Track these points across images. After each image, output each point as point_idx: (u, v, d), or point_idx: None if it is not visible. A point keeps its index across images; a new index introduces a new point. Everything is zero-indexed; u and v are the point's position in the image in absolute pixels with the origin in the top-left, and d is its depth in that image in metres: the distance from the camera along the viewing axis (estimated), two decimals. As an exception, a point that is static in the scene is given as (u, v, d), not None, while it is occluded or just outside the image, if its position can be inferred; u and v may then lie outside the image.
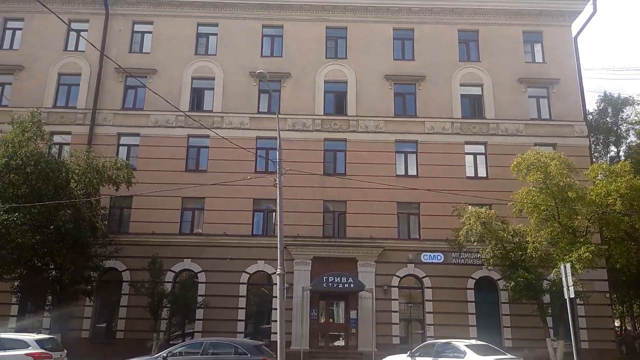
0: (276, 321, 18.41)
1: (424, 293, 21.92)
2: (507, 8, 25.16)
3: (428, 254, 22.17)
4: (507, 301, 21.19)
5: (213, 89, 24.38)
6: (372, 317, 20.69)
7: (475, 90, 24.60)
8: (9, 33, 25.09)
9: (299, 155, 22.49)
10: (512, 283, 18.77)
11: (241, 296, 21.62)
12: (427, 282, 21.91)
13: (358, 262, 21.86)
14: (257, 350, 14.18)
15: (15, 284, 18.93)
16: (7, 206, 16.83)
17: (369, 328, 20.68)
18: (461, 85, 24.52)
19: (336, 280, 20.54)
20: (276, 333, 17.73)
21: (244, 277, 21.82)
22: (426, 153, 23.44)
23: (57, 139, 22.91)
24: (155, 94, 19.33)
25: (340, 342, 21.51)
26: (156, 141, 23.40)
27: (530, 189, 18.93)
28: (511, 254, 19.22)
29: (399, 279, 21.98)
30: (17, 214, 16.69)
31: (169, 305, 20.12)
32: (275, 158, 18.57)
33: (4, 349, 13.71)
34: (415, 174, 23.35)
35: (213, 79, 24.44)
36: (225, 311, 21.16)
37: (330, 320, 22.10)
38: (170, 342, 19.59)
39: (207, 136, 23.22)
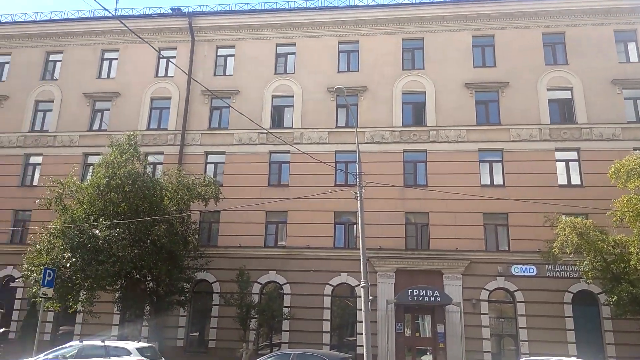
0: (361, 334, 18.35)
1: (517, 307, 20.89)
2: (596, 7, 23.82)
3: (519, 266, 21.17)
4: (609, 317, 19.68)
5: (292, 106, 25.02)
6: (461, 331, 20.00)
7: (564, 95, 23.39)
8: (106, 63, 27.27)
9: (379, 168, 22.48)
10: (615, 297, 17.42)
11: (325, 308, 21.75)
12: (519, 296, 20.87)
13: (444, 275, 21.30)
14: (345, 363, 14.15)
15: (117, 295, 20.29)
16: (108, 223, 18.15)
17: (458, 343, 20.00)
18: (548, 89, 23.42)
19: (421, 294, 20.12)
20: (362, 346, 17.64)
21: (328, 289, 21.96)
22: (513, 161, 22.53)
23: (151, 159, 24.41)
24: (239, 113, 20.22)
25: (428, 357, 20.95)
26: (240, 158, 24.32)
27: (632, 197, 17.62)
28: (612, 266, 17.87)
29: (488, 292, 21.14)
30: (117, 229, 17.96)
31: (256, 316, 20.67)
32: (354, 171, 18.72)
33: (109, 356, 14.69)
34: (501, 183, 22.49)
35: (292, 96, 25.09)
36: (311, 323, 21.37)
37: (417, 334, 21.60)
38: (259, 352, 20.05)
39: (288, 152, 23.82)
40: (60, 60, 27.48)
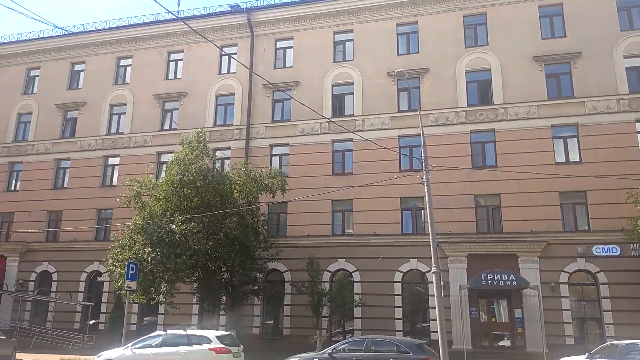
0: (434, 320, 18.15)
1: (599, 290, 19.85)
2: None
3: (601, 246, 20.05)
4: None
5: (352, 93, 24.90)
6: (540, 316, 19.24)
7: (645, 61, 21.74)
8: (172, 64, 28.33)
9: (445, 151, 22.00)
10: None
11: (396, 295, 21.68)
12: (601, 277, 19.80)
13: (519, 258, 20.57)
14: (419, 349, 14.04)
15: (195, 286, 21.24)
16: (184, 217, 18.98)
17: (537, 327, 19.27)
18: (625, 57, 21.85)
19: (496, 278, 19.53)
20: (435, 332, 17.44)
21: (398, 276, 21.84)
22: (589, 136, 21.28)
23: (219, 154, 25.22)
24: (301, 103, 20.39)
25: (506, 342, 20.39)
26: (304, 149, 24.58)
27: None
28: None
29: (567, 274, 20.22)
30: (192, 223, 18.73)
31: (328, 303, 20.95)
32: (419, 155, 18.39)
33: (191, 344, 15.38)
34: (578, 159, 21.34)
35: (352, 83, 24.97)
36: (382, 309, 21.38)
37: (493, 319, 21.04)
38: (332, 339, 20.34)
39: (351, 140, 23.78)
40: (130, 65, 28.86)
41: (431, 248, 16.21)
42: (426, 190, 16.78)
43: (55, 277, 26.44)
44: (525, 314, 19.99)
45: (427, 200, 16.80)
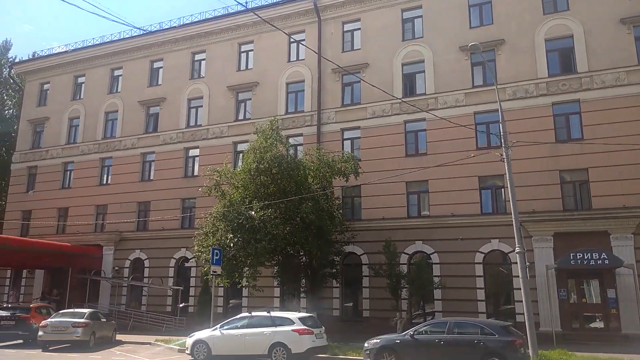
0: (519, 301, 17.57)
1: None
2: None
3: None
4: None
5: (424, 71, 24.31)
6: (636, 296, 18.04)
7: None
8: (243, 56, 29.01)
9: (525, 125, 21.04)
10: None
11: (478, 276, 21.14)
12: None
13: (611, 236, 19.31)
14: (504, 331, 13.64)
15: (275, 269, 21.90)
16: (261, 204, 19.56)
17: (633, 308, 18.11)
18: None
19: (586, 257, 18.49)
20: (521, 313, 16.92)
21: (479, 257, 21.27)
22: (688, 100, 19.44)
23: (291, 141, 25.58)
24: (371, 85, 20.20)
25: (598, 324, 19.32)
26: (376, 131, 24.40)
27: None
28: None
29: (666, 251, 18.75)
30: (269, 209, 19.28)
31: (406, 285, 20.86)
32: (497, 132, 17.69)
33: (275, 325, 15.96)
34: (676, 128, 19.59)
35: (422, 61, 24.36)
36: (463, 291, 20.97)
37: (583, 300, 19.96)
38: (413, 321, 20.26)
39: (424, 119, 23.32)
40: (204, 59, 29.89)
41: (514, 228, 15.66)
42: (506, 167, 16.17)
43: (147, 263, 28.26)
44: (619, 294, 18.81)
45: (507, 178, 16.19)
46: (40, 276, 30.62)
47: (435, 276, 21.52)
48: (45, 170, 32.68)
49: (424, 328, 14.75)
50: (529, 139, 19.62)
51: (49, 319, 19.24)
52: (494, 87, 18.53)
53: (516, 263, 16.19)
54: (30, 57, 38.99)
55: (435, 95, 23.59)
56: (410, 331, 14.61)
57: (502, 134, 16.65)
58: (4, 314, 20.09)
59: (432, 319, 19.80)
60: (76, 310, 20.86)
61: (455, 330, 14.02)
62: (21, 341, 19.87)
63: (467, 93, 23.02)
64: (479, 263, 21.25)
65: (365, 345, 14.86)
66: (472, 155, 20.61)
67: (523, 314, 15.61)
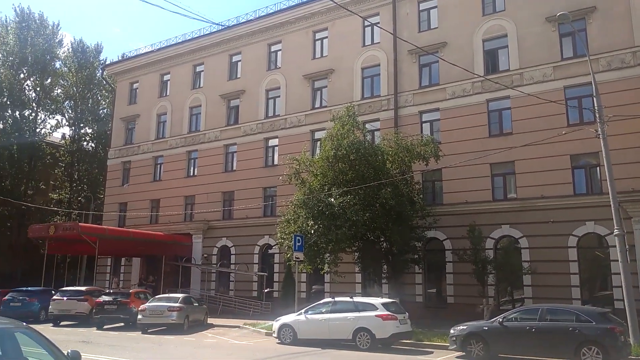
0: (619, 287, 16.37)
1: None
2: None
3: None
4: None
5: (507, 46, 23.08)
6: None
7: None
8: (318, 43, 29.06)
9: (621, 98, 19.38)
10: None
11: (571, 261, 19.92)
12: None
13: None
14: (603, 318, 12.77)
15: (356, 255, 21.95)
16: (340, 190, 19.65)
17: None
18: None
19: (696, 238, 16.84)
20: (620, 300, 15.79)
21: (572, 241, 20.01)
22: None
23: (368, 126, 25.41)
24: (451, 64, 19.50)
25: None
26: (456, 112, 23.59)
27: None
28: None
29: None
30: (348, 196, 19.33)
31: (493, 271, 20.11)
32: (591, 107, 16.48)
33: (358, 310, 16.04)
34: None
35: (505, 36, 23.13)
36: (555, 277, 19.85)
37: (694, 286, 18.24)
38: (501, 308, 19.52)
39: (508, 97, 22.21)
40: (280, 50, 30.35)
41: (612, 208, 14.60)
42: (602, 144, 15.07)
43: (233, 250, 29.44)
44: None
45: (604, 155, 15.08)
46: (137, 263, 32.90)
47: (524, 261, 20.56)
48: (138, 164, 34.89)
49: (514, 315, 14.16)
50: (626, 113, 18.06)
51: (147, 304, 20.59)
52: (585, 59, 17.22)
53: (614, 246, 15.10)
54: (120, 58, 41.59)
55: (520, 71, 22.35)
56: (499, 318, 14.07)
57: (596, 108, 15.52)
58: (107, 299, 21.75)
59: (521, 305, 18.96)
60: (171, 295, 22.18)
61: (548, 317, 13.32)
62: (122, 324, 21.45)
63: (556, 66, 21.59)
64: (573, 247, 20.00)
65: (451, 331, 14.54)
66: (563, 132, 19.37)
67: (622, 300, 14.54)
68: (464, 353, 14.06)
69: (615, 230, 14.47)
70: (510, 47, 22.89)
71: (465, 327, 14.31)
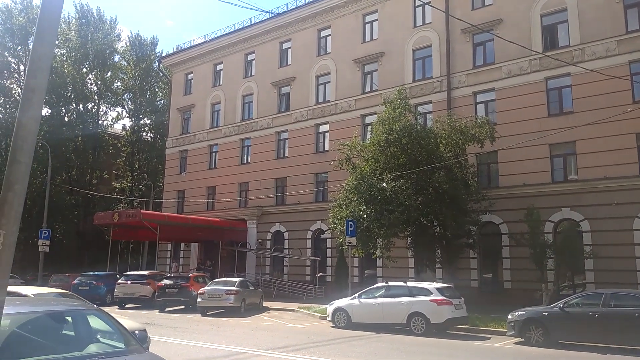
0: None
1: None
2: None
3: None
4: None
5: (566, 21, 21.99)
6: None
7: None
8: (368, 27, 28.73)
9: (695, 71, 18.05)
10: None
11: (637, 244, 18.93)
12: None
13: None
14: (672, 304, 12.11)
15: (409, 240, 21.78)
16: (393, 175, 19.49)
17: None
18: None
19: None
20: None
21: (637, 223, 18.99)
22: None
23: (420, 109, 25.00)
24: (507, 41, 18.83)
25: None
26: (512, 92, 22.78)
27: None
28: None
29: None
30: (401, 180, 19.16)
31: (552, 256, 19.43)
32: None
33: (412, 295, 15.94)
34: None
35: (565, 10, 22.02)
36: (619, 261, 18.94)
37: None
38: (561, 293, 18.87)
39: (568, 74, 21.22)
40: (329, 35, 30.25)
41: (683, 189, 13.68)
42: (672, 120, 14.10)
43: (286, 235, 29.93)
44: None
45: (673, 132, 14.11)
46: (195, 248, 34.10)
47: (586, 245, 19.73)
48: (194, 153, 35.96)
49: (576, 300, 13.67)
50: (701, 86, 16.88)
51: (205, 287, 21.31)
52: (654, 30, 16.16)
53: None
54: (175, 50, 42.78)
55: (581, 47, 21.25)
56: (560, 303, 13.61)
57: (665, 82, 14.53)
58: (168, 283, 22.67)
59: (583, 290, 18.25)
60: (228, 279, 22.84)
61: (612, 302, 12.77)
62: (183, 307, 22.32)
63: (620, 40, 20.37)
64: (638, 230, 18.99)
65: (509, 317, 14.21)
66: (628, 110, 18.33)
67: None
68: (522, 339, 13.73)
69: (688, 212, 13.64)
70: (570, 21, 21.79)
71: (524, 313, 13.96)
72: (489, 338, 14.86)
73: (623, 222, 19.20)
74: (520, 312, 14.05)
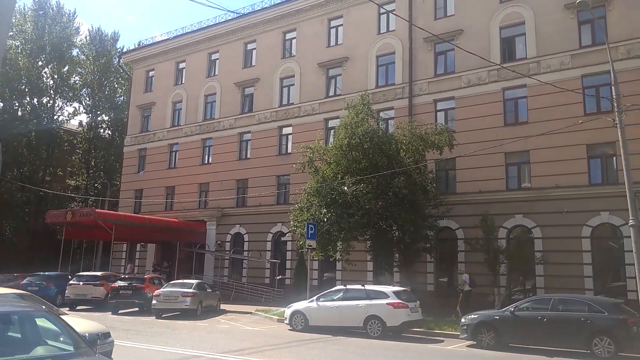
0: (633, 278, 16.19)
1: None
2: None
3: None
4: None
5: (524, 34, 22.78)
6: None
7: None
8: (333, 31, 28.93)
9: (640, 87, 18.99)
10: None
11: (585, 251, 19.76)
12: None
13: None
14: (615, 309, 12.69)
15: (368, 243, 22.00)
16: (354, 179, 19.67)
17: None
18: None
19: None
20: (634, 291, 15.64)
21: (586, 231, 19.84)
22: None
23: (382, 115, 25.29)
24: (467, 52, 19.33)
25: None
26: (471, 101, 23.39)
27: None
28: None
29: None
30: (362, 184, 19.37)
31: (505, 261, 20.04)
32: (609, 95, 16.21)
33: (369, 298, 16.08)
34: None
35: (523, 23, 22.81)
36: (568, 267, 19.73)
37: None
38: (512, 297, 19.47)
39: (524, 85, 21.97)
40: (294, 38, 30.27)
41: (627, 198, 14.44)
42: (619, 133, 14.86)
43: (246, 238, 29.70)
44: None
45: (621, 144, 14.87)
46: (152, 249, 33.38)
47: (537, 251, 20.46)
48: (154, 151, 35.26)
49: (526, 304, 14.14)
50: (646, 102, 17.73)
51: (161, 289, 20.88)
52: (604, 47, 16.88)
53: (629, 237, 14.92)
54: (136, 46, 41.89)
55: (537, 59, 22.05)
56: (511, 307, 14.06)
57: (614, 97, 15.25)
58: (122, 284, 22.05)
59: (533, 295, 18.87)
60: (185, 281, 22.45)
61: (560, 307, 13.29)
62: (137, 309, 21.78)
63: (574, 55, 21.26)
64: (586, 237, 19.83)
65: (462, 320, 14.56)
66: (580, 122, 19.11)
67: (636, 291, 14.43)
68: (474, 342, 14.09)
69: (631, 221, 14.30)
70: (528, 34, 22.58)
71: (476, 316, 14.32)
72: (443, 341, 15.18)
73: (572, 230, 19.99)
74: (473, 316, 14.41)
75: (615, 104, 15.22)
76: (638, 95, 18.17)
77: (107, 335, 8.32)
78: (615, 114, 15.13)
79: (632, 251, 14.42)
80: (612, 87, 15.48)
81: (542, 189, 20.98)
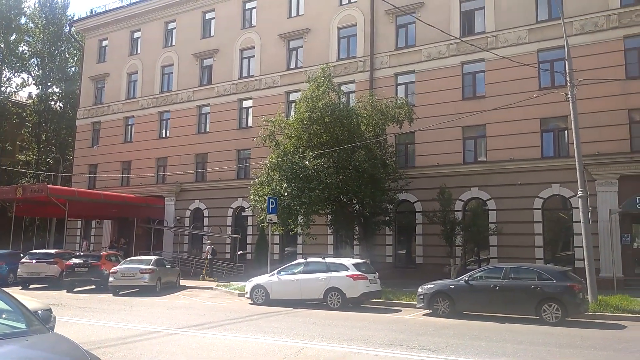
0: (579, 247, 16.98)
1: None
2: None
3: None
4: None
5: (483, 7, 22.95)
6: None
7: None
8: (294, 2, 28.32)
9: (593, 62, 19.60)
10: None
11: (536, 222, 20.51)
12: None
13: (684, 178, 18.05)
14: (563, 276, 13.25)
15: (329, 217, 22.12)
16: (315, 153, 19.58)
17: None
18: None
19: (655, 201, 17.44)
20: (581, 259, 16.41)
21: (538, 202, 20.55)
22: None
23: (344, 88, 25.14)
24: (427, 24, 19.35)
25: (666, 271, 18.44)
26: (431, 75, 23.54)
27: None
28: None
29: None
30: (322, 159, 19.31)
31: (461, 232, 20.57)
32: (562, 70, 16.61)
33: (330, 271, 16.25)
34: None
35: (482, -3, 22.95)
36: (520, 237, 20.46)
37: (649, 245, 19.07)
38: (467, 268, 20.08)
39: (482, 59, 22.24)
40: (255, 7, 29.50)
41: (577, 171, 14.97)
42: (571, 108, 15.29)
43: (206, 213, 29.36)
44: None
45: (572, 119, 15.36)
46: (108, 226, 32.60)
47: (491, 222, 21.08)
48: (108, 125, 34.09)
49: (479, 274, 14.58)
50: (596, 77, 18.30)
51: (118, 266, 20.49)
52: (559, 22, 17.24)
53: (577, 208, 15.54)
54: (88, 14, 39.99)
55: (495, 34, 22.32)
56: (465, 277, 14.47)
57: (567, 72, 15.64)
58: (77, 262, 21.45)
59: (487, 265, 19.53)
60: (143, 257, 22.09)
61: (511, 275, 13.76)
62: (93, 286, 21.28)
63: (530, 29, 21.61)
64: (538, 209, 20.56)
65: (419, 290, 14.91)
66: (534, 96, 19.56)
67: (583, 259, 15.11)
68: (430, 311, 14.48)
69: (579, 192, 14.87)
70: (487, 8, 22.77)
71: (432, 286, 14.69)
72: (400, 310, 15.55)
73: (525, 202, 20.66)
74: (429, 286, 14.78)
75: (568, 79, 15.61)
76: (590, 70, 18.77)
77: (47, 312, 8.15)
78: (568, 88, 15.53)
79: (580, 221, 15.02)
80: (566, 62, 15.84)
81: (497, 162, 21.51)
